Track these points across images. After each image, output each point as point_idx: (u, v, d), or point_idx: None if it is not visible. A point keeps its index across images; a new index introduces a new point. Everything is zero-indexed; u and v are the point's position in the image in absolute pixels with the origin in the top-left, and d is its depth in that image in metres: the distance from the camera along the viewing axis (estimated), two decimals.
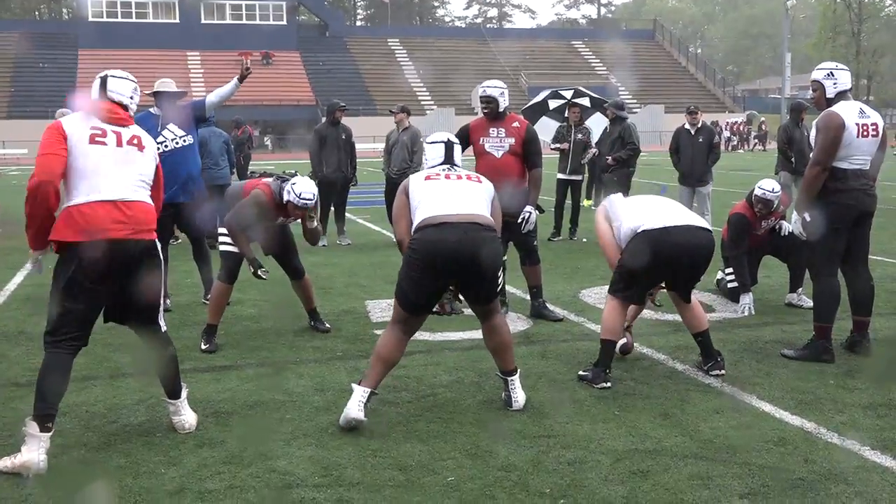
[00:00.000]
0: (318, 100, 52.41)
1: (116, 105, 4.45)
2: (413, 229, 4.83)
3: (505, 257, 7.35)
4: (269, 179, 6.39)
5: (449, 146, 5.22)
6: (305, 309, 6.95)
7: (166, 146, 7.32)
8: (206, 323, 6.44)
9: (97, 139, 4.26)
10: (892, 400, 5.05)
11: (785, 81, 53.22)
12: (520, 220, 6.98)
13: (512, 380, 5.01)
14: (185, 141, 7.49)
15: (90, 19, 59.18)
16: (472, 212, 4.83)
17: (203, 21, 60.90)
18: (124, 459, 4.28)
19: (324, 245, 11.60)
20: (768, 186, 7.41)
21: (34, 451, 4.07)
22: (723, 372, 5.52)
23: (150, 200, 4.49)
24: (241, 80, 7.55)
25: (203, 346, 6.27)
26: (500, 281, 5.08)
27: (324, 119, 12.51)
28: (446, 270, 4.74)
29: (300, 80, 57.73)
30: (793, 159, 11.47)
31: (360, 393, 4.64)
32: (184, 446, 4.45)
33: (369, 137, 37.92)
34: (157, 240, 4.50)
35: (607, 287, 5.67)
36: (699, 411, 4.91)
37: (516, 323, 7.09)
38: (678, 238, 5.36)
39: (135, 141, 4.42)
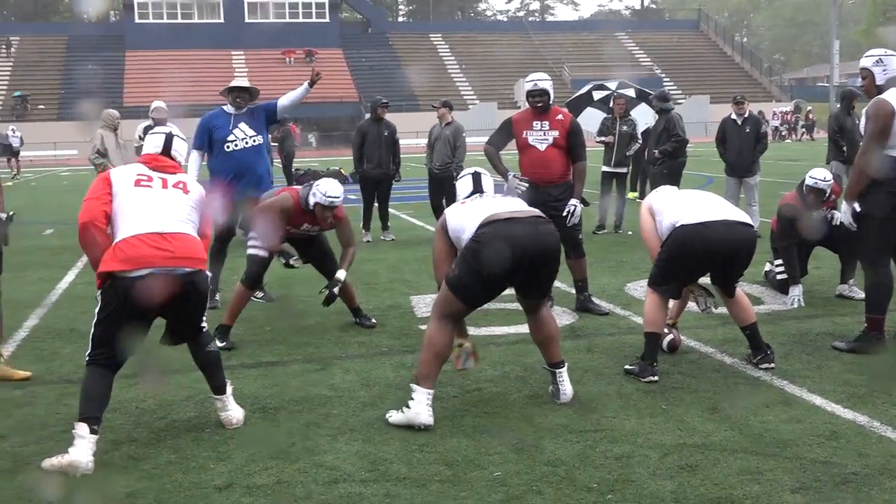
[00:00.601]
0: (362, 96, 52.65)
1: (170, 161, 4.77)
2: (475, 226, 4.73)
3: None
4: (300, 186, 6.45)
5: (476, 177, 5.22)
6: (349, 308, 6.96)
7: (236, 145, 7.45)
8: (221, 323, 6.36)
9: (142, 183, 4.56)
10: None
11: (833, 69, 52.39)
12: (565, 214, 6.95)
13: (560, 372, 4.99)
14: (255, 141, 7.55)
15: (136, 21, 60.10)
16: (531, 210, 4.91)
17: (247, 20, 61.45)
18: (174, 455, 4.34)
19: (368, 241, 11.67)
20: (820, 175, 7.30)
21: (82, 452, 4.13)
22: (772, 365, 5.46)
23: (195, 234, 4.62)
24: (311, 84, 7.64)
25: (219, 344, 5.98)
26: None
27: (367, 116, 12.56)
28: (517, 264, 4.67)
29: (343, 77, 58.00)
30: (844, 148, 11.27)
31: (426, 396, 4.60)
32: (232, 441, 4.50)
33: (412, 133, 38.03)
34: (206, 270, 4.61)
35: None
36: (748, 405, 4.85)
37: (562, 317, 7.06)
38: (716, 233, 5.31)
39: (180, 185, 4.66)
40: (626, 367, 5.47)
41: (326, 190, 6.17)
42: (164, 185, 4.60)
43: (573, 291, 7.43)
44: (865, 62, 5.80)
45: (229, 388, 4.76)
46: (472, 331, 6.42)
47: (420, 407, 4.56)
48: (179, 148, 4.85)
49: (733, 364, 5.64)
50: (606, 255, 9.99)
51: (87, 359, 4.39)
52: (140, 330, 4.46)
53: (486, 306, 7.32)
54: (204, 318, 4.72)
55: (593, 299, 7.36)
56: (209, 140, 7.53)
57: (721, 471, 3.97)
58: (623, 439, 4.39)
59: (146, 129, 12.14)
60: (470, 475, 4.00)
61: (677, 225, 5.40)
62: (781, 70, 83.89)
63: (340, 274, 6.59)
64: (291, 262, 6.50)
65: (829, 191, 7.36)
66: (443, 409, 4.90)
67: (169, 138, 4.82)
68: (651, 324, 5.44)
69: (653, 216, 5.72)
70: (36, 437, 4.64)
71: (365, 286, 8.59)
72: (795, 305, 7.23)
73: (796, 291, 7.30)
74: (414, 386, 4.63)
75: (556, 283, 7.74)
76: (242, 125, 7.52)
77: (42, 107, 52.69)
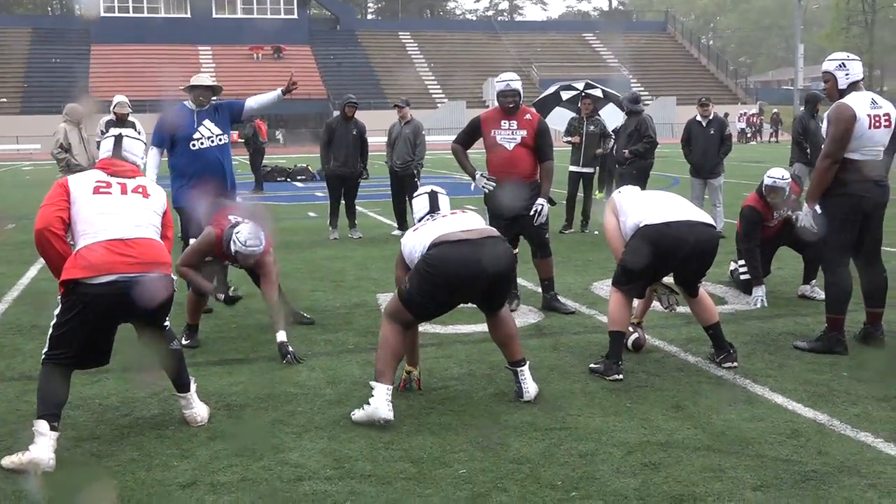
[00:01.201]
0: (330, 94, 52.47)
1: (125, 164, 4.65)
2: (426, 245, 4.75)
3: (516, 250, 7.35)
4: (230, 220, 6.16)
5: (433, 197, 5.18)
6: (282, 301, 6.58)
7: (202, 143, 7.23)
8: (187, 322, 6.30)
9: (101, 190, 4.46)
10: None
11: (797, 72, 53.01)
12: (532, 213, 6.97)
13: (521, 370, 5.00)
14: (220, 140, 7.31)
15: (102, 14, 59.35)
16: (484, 228, 4.92)
17: (214, 15, 60.96)
18: (137, 452, 4.30)
19: (335, 238, 11.64)
20: (777, 174, 7.40)
21: (43, 450, 4.09)
22: (735, 364, 5.51)
23: (158, 238, 4.57)
24: (284, 92, 7.50)
25: (185, 342, 5.98)
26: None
27: (336, 114, 12.52)
28: (467, 286, 4.76)
29: (311, 74, 57.66)
30: (808, 150, 11.40)
31: (385, 391, 4.59)
32: (196, 439, 4.47)
33: (381, 131, 37.78)
34: (167, 275, 4.53)
35: None
36: (711, 403, 4.89)
37: (528, 316, 7.09)
38: (679, 233, 5.36)
39: (139, 189, 4.57)
40: (591, 365, 5.50)
41: (246, 238, 5.92)
42: (123, 191, 4.51)
43: (539, 290, 7.45)
44: (828, 66, 5.84)
45: (193, 386, 4.71)
46: (438, 329, 6.45)
47: (379, 402, 4.54)
48: (132, 148, 4.73)
49: (697, 363, 5.69)
50: (573, 255, 10.03)
51: (43, 356, 4.34)
52: (103, 334, 4.45)
53: None
54: (167, 318, 4.68)
55: (559, 298, 7.38)
56: (171, 138, 7.26)
57: (684, 468, 4.00)
58: (587, 437, 4.41)
59: (108, 124, 12.01)
60: (435, 473, 4.00)
61: (641, 225, 5.44)
62: (747, 73, 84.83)
63: (280, 336, 5.93)
64: (230, 294, 6.44)
65: (787, 189, 7.44)
66: (408, 406, 4.90)
67: (118, 140, 4.71)
68: (615, 322, 5.47)
69: (616, 216, 5.76)
70: None
71: (332, 284, 8.57)
72: (758, 306, 7.30)
73: (759, 292, 7.37)
74: (373, 383, 4.62)
75: (523, 282, 7.79)
76: (207, 122, 7.25)
77: (5, 100, 51.91)
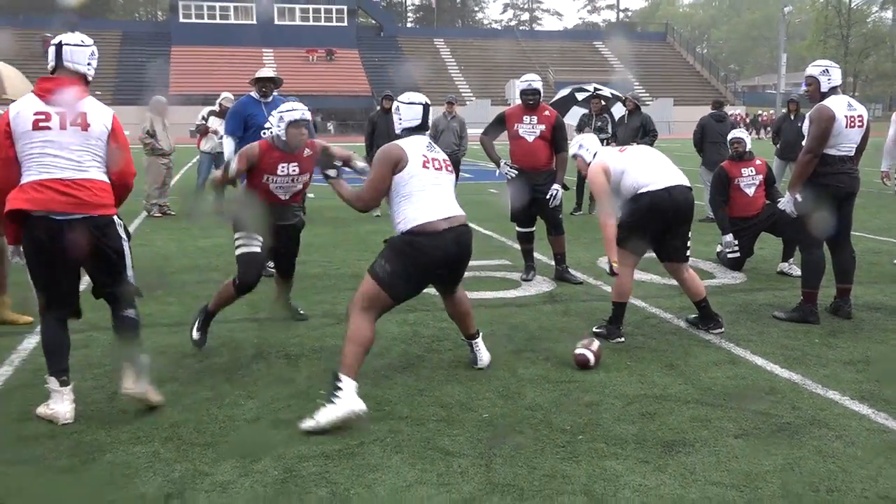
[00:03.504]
0: (374, 91, 52.29)
1: (65, 79, 3.85)
2: (410, 227, 4.22)
3: (534, 228, 7.34)
4: None
5: (426, 109, 4.54)
6: (282, 300, 5.84)
7: (272, 132, 7.12)
8: (206, 306, 5.20)
9: (41, 124, 3.75)
10: (869, 357, 4.98)
11: (781, 78, 52.12)
12: (548, 197, 6.95)
13: (476, 342, 4.76)
14: None
15: (181, 20, 59.63)
16: (459, 212, 4.37)
17: (276, 22, 60.93)
18: (210, 392, 4.36)
19: (377, 216, 11.65)
20: (737, 133, 7.93)
21: (61, 404, 3.89)
22: (722, 330, 5.48)
23: (102, 177, 3.89)
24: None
25: (195, 335, 5.10)
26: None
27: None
28: (441, 271, 4.34)
29: (358, 74, 57.59)
30: (778, 146, 11.36)
31: (354, 386, 3.92)
32: (260, 382, 4.52)
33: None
34: (114, 216, 3.94)
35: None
36: (700, 363, 4.87)
37: (542, 285, 7.08)
38: (677, 198, 5.22)
39: (79, 120, 3.80)
40: (595, 329, 5.47)
41: (287, 107, 4.98)
42: (63, 125, 3.76)
43: (553, 263, 7.43)
44: (813, 71, 5.73)
45: (143, 359, 4.10)
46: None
47: (350, 396, 3.86)
48: (74, 57, 3.86)
49: (688, 328, 5.65)
50: (582, 233, 9.98)
51: (38, 308, 4.00)
52: (61, 271, 3.90)
53: (478, 274, 7.36)
54: (128, 273, 4.04)
55: (570, 270, 7.35)
56: (244, 126, 7.16)
57: (675, 418, 4.00)
58: (592, 389, 4.41)
59: (210, 113, 12.15)
60: (462, 416, 4.01)
61: (644, 190, 5.22)
62: (736, 78, 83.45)
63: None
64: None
65: (746, 141, 7.77)
66: (440, 360, 4.92)
67: (58, 49, 3.85)
68: (620, 295, 5.41)
69: (606, 175, 5.39)
70: (92, 374, 4.65)
71: (373, 253, 8.56)
72: (728, 249, 7.40)
73: (728, 238, 7.40)
74: (343, 377, 3.92)
75: (538, 256, 7.76)
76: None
77: (98, 93, 52.23)
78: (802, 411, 4.08)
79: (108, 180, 3.93)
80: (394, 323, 5.73)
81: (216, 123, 11.64)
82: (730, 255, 7.61)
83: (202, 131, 12.17)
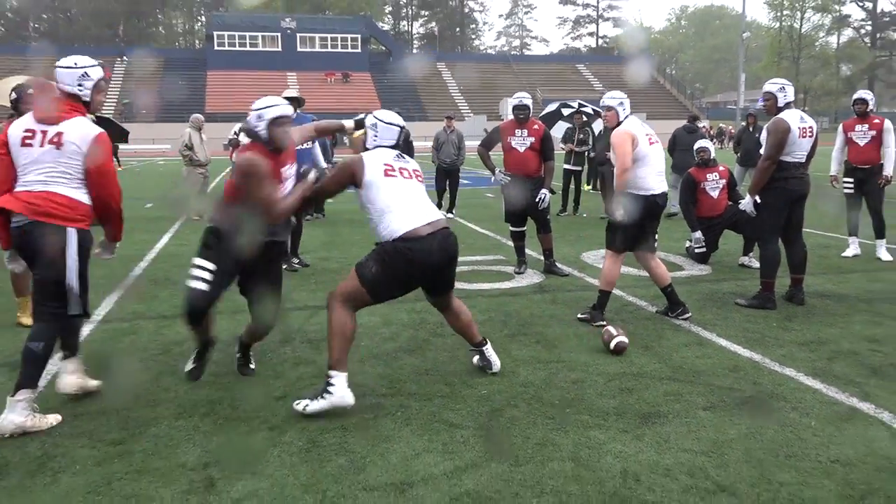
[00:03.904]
0: (384, 108, 52.22)
1: (55, 100, 3.65)
2: (397, 236, 3.72)
3: (525, 227, 7.31)
4: None
5: (402, 132, 4.04)
6: (246, 343, 4.36)
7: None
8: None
9: (26, 141, 3.59)
10: (821, 338, 4.95)
11: (740, 95, 51.88)
12: (537, 200, 6.92)
13: (486, 349, 4.30)
14: (306, 145, 7.02)
15: (216, 48, 59.61)
16: (439, 216, 3.91)
17: (298, 49, 60.91)
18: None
19: None
20: (702, 143, 7.91)
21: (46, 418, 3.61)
22: (689, 315, 5.44)
23: (69, 192, 3.59)
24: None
25: (190, 365, 4.20)
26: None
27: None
28: (429, 274, 3.88)
29: (370, 93, 57.47)
30: (738, 154, 11.35)
31: (344, 378, 3.67)
32: (286, 364, 4.49)
33: (422, 137, 37.76)
34: (54, 225, 3.55)
35: (603, 249, 5.57)
36: (672, 345, 4.84)
37: (532, 277, 7.04)
38: (662, 201, 5.31)
39: (55, 139, 3.57)
40: (579, 315, 5.44)
41: (263, 103, 3.87)
42: (42, 142, 3.56)
43: (542, 258, 7.39)
44: (771, 87, 5.70)
45: (77, 359, 3.88)
46: (464, 286, 6.42)
47: (342, 390, 3.64)
48: (63, 79, 3.63)
49: (661, 314, 5.62)
50: (567, 232, 9.94)
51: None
52: (33, 269, 3.66)
53: (476, 268, 7.33)
54: (70, 279, 3.60)
55: (557, 264, 7.31)
56: None
57: (651, 393, 3.97)
58: (578, 368, 4.39)
59: (241, 129, 12.09)
60: (464, 392, 3.99)
61: (645, 193, 5.18)
62: (701, 95, 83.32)
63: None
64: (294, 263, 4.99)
65: (711, 150, 7.79)
66: (444, 343, 4.89)
67: (57, 70, 3.61)
68: (606, 284, 5.37)
69: (633, 144, 5.16)
70: (140, 357, 4.63)
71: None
72: (696, 245, 7.39)
73: (697, 235, 7.37)
74: (333, 372, 3.65)
75: (529, 252, 7.72)
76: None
77: (144, 111, 52.20)
78: (763, 386, 4.05)
79: (76, 196, 3.61)
80: (403, 311, 5.70)
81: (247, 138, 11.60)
82: (697, 250, 7.58)
83: (234, 145, 12.15)
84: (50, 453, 3.30)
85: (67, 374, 3.89)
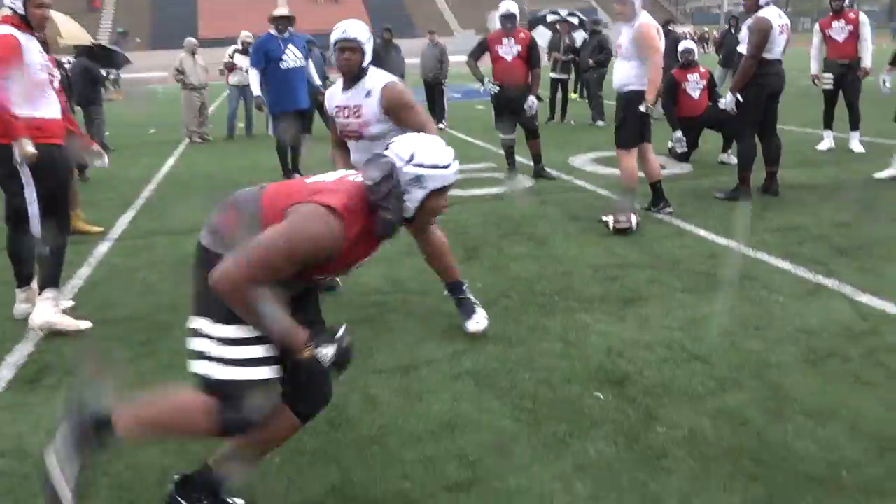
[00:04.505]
0: (374, 27, 50.71)
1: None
2: None
3: (514, 135, 7.30)
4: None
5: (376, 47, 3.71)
6: None
7: (288, 64, 6.84)
8: None
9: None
10: (791, 224, 5.06)
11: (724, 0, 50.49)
12: (525, 107, 6.88)
13: (465, 294, 3.57)
14: (300, 62, 6.93)
15: None
16: None
17: None
18: None
19: None
20: (686, 44, 7.68)
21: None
22: (671, 210, 5.52)
23: None
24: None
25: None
26: None
27: (378, 40, 12.19)
28: None
29: (361, 13, 55.67)
30: (720, 56, 11.21)
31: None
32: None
33: (409, 53, 36.85)
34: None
35: (589, 154, 5.59)
36: (654, 236, 4.95)
37: (523, 181, 7.09)
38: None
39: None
40: (612, 220, 5.15)
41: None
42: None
43: (531, 163, 7.42)
44: None
45: (48, 293, 3.70)
46: (460, 192, 6.47)
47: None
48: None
49: (644, 210, 5.70)
50: (555, 137, 9.89)
51: None
52: None
53: (470, 176, 7.37)
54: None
55: (545, 168, 7.35)
56: (265, 59, 6.90)
57: (633, 280, 4.10)
58: (566, 261, 4.50)
59: (235, 51, 11.90)
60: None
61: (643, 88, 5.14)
62: (686, 0, 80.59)
63: None
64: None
65: (694, 50, 7.56)
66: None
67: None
68: (629, 179, 5.24)
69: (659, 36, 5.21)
70: (158, 269, 4.73)
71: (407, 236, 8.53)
72: (677, 144, 7.17)
73: (678, 134, 7.28)
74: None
75: (519, 158, 7.74)
76: (291, 47, 6.94)
77: (139, 40, 50.66)
78: (737, 269, 4.17)
79: None
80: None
81: (241, 60, 11.39)
82: (679, 150, 7.58)
83: (229, 67, 11.96)
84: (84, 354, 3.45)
85: (38, 305, 3.65)
